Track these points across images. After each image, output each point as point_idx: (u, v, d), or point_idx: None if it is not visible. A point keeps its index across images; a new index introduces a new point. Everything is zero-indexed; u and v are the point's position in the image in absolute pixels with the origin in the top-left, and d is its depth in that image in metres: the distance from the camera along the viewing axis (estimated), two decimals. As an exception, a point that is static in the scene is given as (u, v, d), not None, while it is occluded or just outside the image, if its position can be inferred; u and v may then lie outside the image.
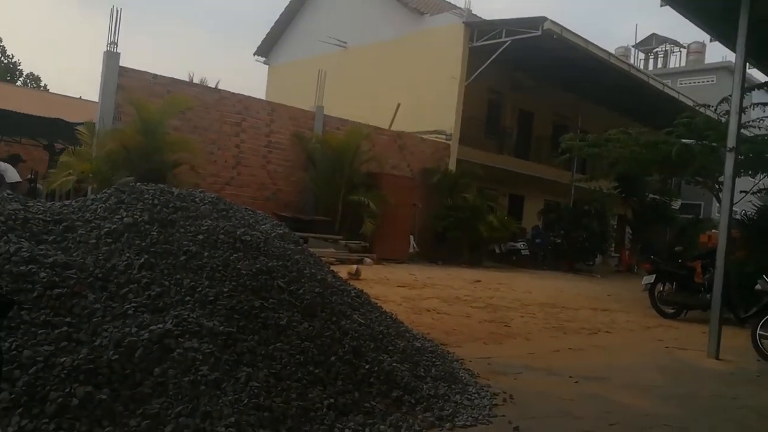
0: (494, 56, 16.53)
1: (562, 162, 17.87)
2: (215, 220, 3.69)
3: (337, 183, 13.34)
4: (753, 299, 7.72)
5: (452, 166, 16.79)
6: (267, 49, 23.53)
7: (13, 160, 13.33)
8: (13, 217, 3.05)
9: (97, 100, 15.27)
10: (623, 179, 17.22)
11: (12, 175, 12.27)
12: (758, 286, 6.49)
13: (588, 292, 12.09)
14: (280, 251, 3.71)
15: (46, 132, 15.70)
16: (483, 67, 16.80)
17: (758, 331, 6.24)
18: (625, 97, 19.08)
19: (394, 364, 3.47)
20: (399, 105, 16.67)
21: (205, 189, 4.98)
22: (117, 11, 10.80)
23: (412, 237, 14.95)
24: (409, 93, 17.06)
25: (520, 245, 18.93)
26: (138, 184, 3.76)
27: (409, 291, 8.91)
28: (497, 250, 18.07)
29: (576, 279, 16.05)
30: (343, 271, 9.12)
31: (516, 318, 7.50)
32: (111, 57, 10.91)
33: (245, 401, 2.62)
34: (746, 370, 5.69)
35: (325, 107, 14.49)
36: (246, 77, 59.29)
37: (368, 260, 12.37)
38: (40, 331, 2.51)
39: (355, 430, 2.81)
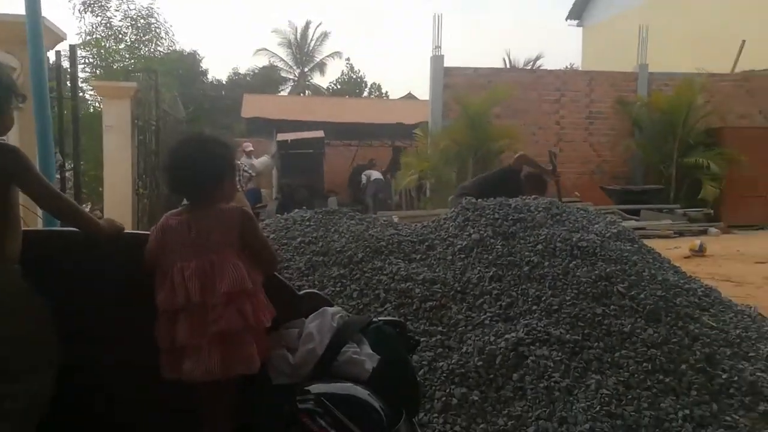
0: None
1: None
2: (550, 228, 3.92)
3: (668, 146, 12.27)
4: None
5: (829, 104, 13.65)
6: (579, 11, 22.60)
7: (371, 165, 17.33)
8: (391, 241, 3.81)
9: (423, 98, 17.23)
10: None
11: (376, 175, 16.06)
12: None
13: None
14: (617, 254, 3.73)
15: (390, 135, 18.38)
16: None
17: None
18: None
19: (758, 374, 3.19)
20: (743, 42, 14.23)
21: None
22: (438, 17, 11.93)
23: (772, 198, 12.74)
24: (759, 24, 14.38)
25: None
26: (479, 200, 4.23)
27: (772, 269, 7.72)
28: None
29: None
30: (683, 246, 8.46)
31: None
32: (436, 60, 12.08)
33: (597, 408, 2.79)
34: None
35: (650, 64, 13.34)
36: (559, 44, 57.94)
37: (714, 230, 11.05)
38: (421, 339, 3.13)
39: (717, 446, 2.73)
